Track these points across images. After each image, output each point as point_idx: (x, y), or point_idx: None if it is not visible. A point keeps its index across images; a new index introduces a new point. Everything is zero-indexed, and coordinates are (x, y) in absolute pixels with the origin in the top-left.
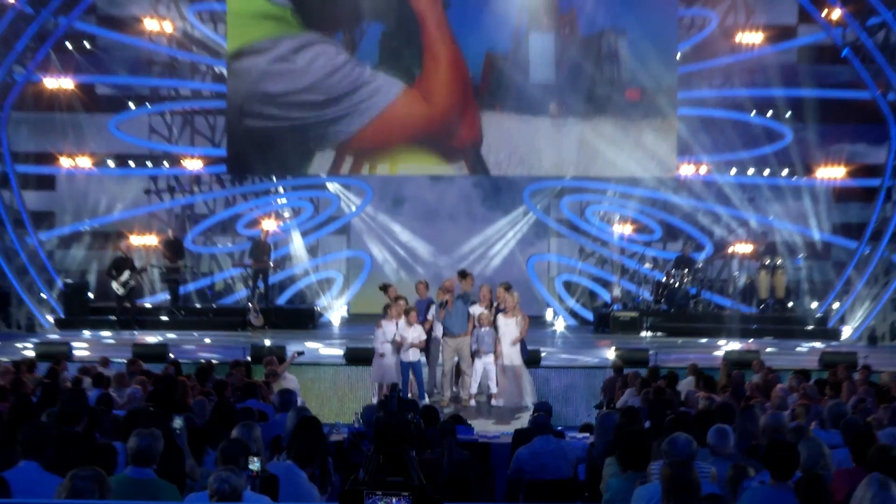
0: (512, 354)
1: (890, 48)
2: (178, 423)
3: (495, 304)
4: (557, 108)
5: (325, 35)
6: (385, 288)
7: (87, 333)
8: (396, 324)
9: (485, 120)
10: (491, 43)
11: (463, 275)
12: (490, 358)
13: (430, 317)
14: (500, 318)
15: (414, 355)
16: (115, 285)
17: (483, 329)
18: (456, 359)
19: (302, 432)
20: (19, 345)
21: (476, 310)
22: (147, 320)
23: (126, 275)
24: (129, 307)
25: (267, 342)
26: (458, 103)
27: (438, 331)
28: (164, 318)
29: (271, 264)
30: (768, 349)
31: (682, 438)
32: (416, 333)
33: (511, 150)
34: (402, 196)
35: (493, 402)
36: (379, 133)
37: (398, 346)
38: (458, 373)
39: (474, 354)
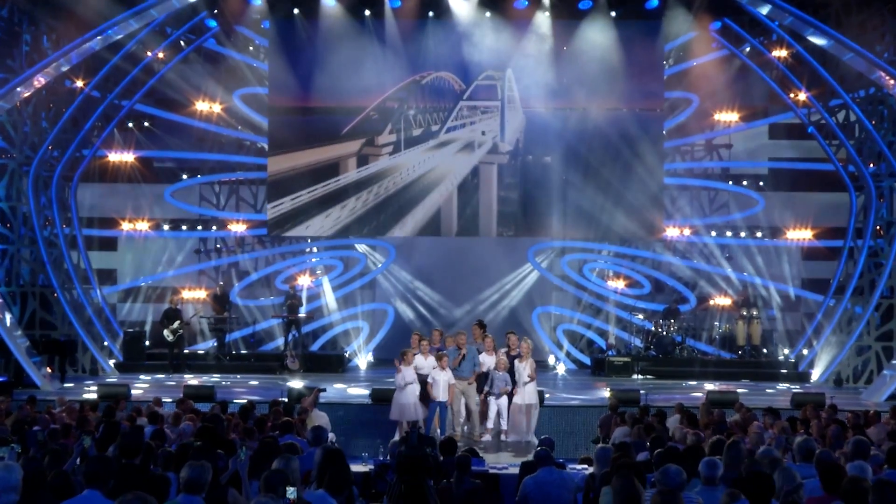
0: (529, 394)
1: (849, 126)
2: (241, 454)
3: (506, 350)
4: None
5: None
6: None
7: (143, 376)
8: (414, 367)
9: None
10: None
11: (481, 326)
12: (504, 399)
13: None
14: (517, 363)
15: (444, 396)
16: (165, 333)
17: (499, 373)
18: (463, 399)
19: (331, 464)
20: (84, 385)
21: (485, 358)
22: (196, 364)
23: (176, 324)
24: (177, 353)
25: (301, 384)
26: None
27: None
28: (212, 362)
29: (303, 315)
30: (745, 390)
31: (672, 469)
32: (446, 377)
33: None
34: (420, 254)
35: (503, 437)
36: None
37: (429, 388)
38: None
39: (488, 395)
